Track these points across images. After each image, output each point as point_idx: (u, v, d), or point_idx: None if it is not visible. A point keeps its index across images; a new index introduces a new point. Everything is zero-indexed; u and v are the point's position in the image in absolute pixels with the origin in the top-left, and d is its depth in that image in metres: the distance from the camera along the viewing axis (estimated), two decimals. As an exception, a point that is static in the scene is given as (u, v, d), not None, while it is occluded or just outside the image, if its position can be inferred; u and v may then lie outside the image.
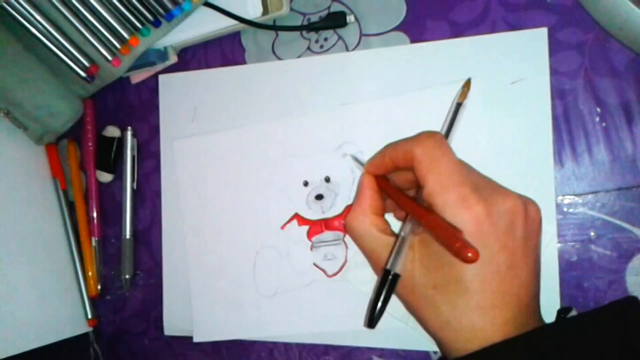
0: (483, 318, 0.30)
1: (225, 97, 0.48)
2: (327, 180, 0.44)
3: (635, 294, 0.37)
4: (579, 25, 0.38)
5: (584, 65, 0.38)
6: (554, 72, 0.38)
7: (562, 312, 0.34)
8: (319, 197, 0.44)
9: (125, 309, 0.53)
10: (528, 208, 0.32)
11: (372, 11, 0.43)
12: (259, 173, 0.46)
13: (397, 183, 0.38)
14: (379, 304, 0.33)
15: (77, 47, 0.48)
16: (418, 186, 0.36)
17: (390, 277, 0.33)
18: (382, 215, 0.37)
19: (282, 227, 0.45)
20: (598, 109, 0.38)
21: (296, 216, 0.45)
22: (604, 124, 0.38)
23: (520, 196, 0.32)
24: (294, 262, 0.45)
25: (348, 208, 0.43)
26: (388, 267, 0.33)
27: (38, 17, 0.46)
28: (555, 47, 0.38)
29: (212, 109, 0.48)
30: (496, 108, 0.39)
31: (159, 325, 0.51)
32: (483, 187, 0.32)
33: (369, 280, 0.41)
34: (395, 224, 0.39)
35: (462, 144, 0.40)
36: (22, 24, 0.46)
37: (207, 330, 0.48)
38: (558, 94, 0.38)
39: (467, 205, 0.30)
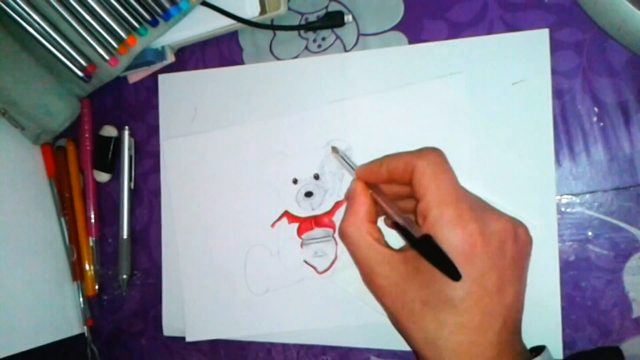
0: (470, 337, 0.30)
1: (224, 97, 0.48)
2: (317, 177, 0.44)
3: (632, 294, 0.37)
4: (577, 25, 0.38)
5: (582, 65, 0.38)
6: (552, 71, 0.38)
7: (534, 351, 0.34)
8: (309, 194, 0.44)
9: (122, 309, 0.53)
10: (518, 231, 0.32)
11: (370, 11, 0.43)
12: (248, 171, 0.46)
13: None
14: (443, 261, 0.31)
15: (75, 46, 0.47)
16: (405, 199, 0.37)
17: (426, 239, 0.31)
18: (376, 223, 0.37)
19: (272, 225, 0.45)
20: (596, 109, 0.38)
21: (286, 214, 0.45)
22: (601, 124, 0.38)
23: (511, 218, 0.33)
24: (285, 259, 0.45)
25: (337, 204, 0.44)
26: (420, 234, 0.32)
27: (35, 17, 0.46)
28: (553, 46, 0.38)
29: (212, 109, 0.48)
30: (497, 108, 0.39)
31: (157, 325, 0.51)
32: (477, 207, 0.32)
33: (354, 280, 0.41)
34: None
35: (463, 144, 0.40)
36: (19, 23, 0.46)
37: (199, 330, 0.48)
38: (556, 93, 0.38)
39: (463, 222, 0.31)
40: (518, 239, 0.32)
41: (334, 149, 0.42)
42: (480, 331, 0.30)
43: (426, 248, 0.31)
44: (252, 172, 0.46)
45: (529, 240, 0.33)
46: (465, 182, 0.33)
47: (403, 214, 0.34)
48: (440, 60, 0.41)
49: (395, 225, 0.35)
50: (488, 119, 0.40)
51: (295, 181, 0.45)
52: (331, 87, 0.44)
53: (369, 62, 0.43)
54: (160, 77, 0.51)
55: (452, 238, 0.30)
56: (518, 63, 0.39)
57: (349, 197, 0.37)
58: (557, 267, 0.38)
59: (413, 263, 0.33)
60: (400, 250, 0.35)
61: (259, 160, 0.46)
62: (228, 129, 0.47)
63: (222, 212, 0.47)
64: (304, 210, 0.45)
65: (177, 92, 0.50)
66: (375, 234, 0.35)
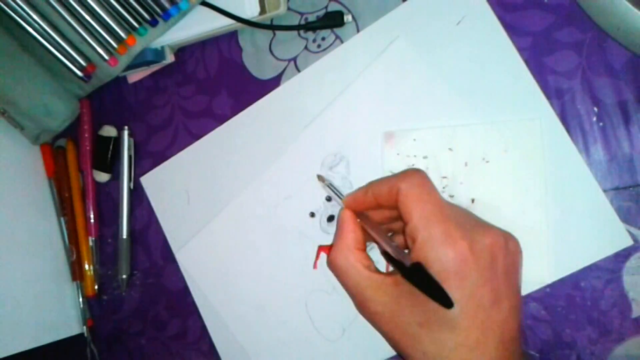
0: (470, 355, 0.30)
1: (212, 167, 0.48)
2: (329, 199, 0.44)
3: (632, 293, 0.37)
4: (576, 25, 0.38)
5: (581, 65, 0.38)
6: (551, 71, 0.38)
7: None
8: (330, 218, 0.44)
9: (122, 309, 0.53)
10: (508, 243, 0.32)
11: (369, 10, 0.43)
12: (268, 231, 0.45)
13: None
14: (435, 289, 0.31)
15: (74, 46, 0.47)
16: (396, 221, 0.37)
17: (417, 267, 0.31)
18: (365, 250, 0.37)
19: (314, 267, 0.44)
20: (595, 109, 0.38)
21: (320, 248, 0.44)
22: (601, 124, 0.38)
23: (500, 231, 0.33)
24: (343, 291, 0.44)
25: None
26: (409, 263, 0.32)
27: (34, 16, 0.46)
28: (552, 46, 0.38)
29: (204, 184, 0.48)
30: (460, 57, 0.40)
31: (156, 325, 0.51)
32: (465, 222, 0.32)
33: None
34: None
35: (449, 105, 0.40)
36: (18, 23, 0.46)
37: None
38: (555, 93, 0.38)
39: (452, 240, 0.31)
40: (509, 251, 0.32)
41: (320, 178, 0.42)
42: (479, 347, 0.30)
43: (417, 276, 0.31)
44: (271, 229, 0.45)
45: (519, 252, 0.33)
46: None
47: (392, 241, 0.34)
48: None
49: (384, 254, 0.35)
50: (460, 67, 0.40)
51: (312, 214, 0.44)
52: (314, 102, 0.44)
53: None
54: (142, 179, 0.51)
55: (443, 258, 0.30)
56: (452, 3, 0.40)
57: (337, 226, 0.37)
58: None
59: (405, 285, 0.32)
60: (391, 273, 0.35)
61: (272, 216, 0.45)
62: (226, 210, 0.47)
63: (261, 282, 0.46)
64: (333, 235, 0.43)
65: (164, 184, 0.50)
66: (365, 261, 0.35)
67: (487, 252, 0.31)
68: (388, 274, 0.35)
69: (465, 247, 0.30)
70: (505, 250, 0.32)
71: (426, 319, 0.31)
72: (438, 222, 0.31)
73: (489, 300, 0.30)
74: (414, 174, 0.34)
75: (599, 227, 0.37)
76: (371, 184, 0.36)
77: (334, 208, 0.44)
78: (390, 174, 0.41)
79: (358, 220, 0.37)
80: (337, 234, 0.37)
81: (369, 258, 0.36)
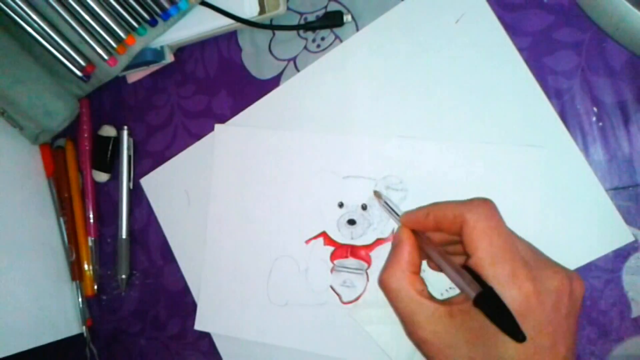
0: None
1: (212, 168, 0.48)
2: (364, 207, 0.42)
3: (631, 293, 0.37)
4: (576, 25, 0.38)
5: (580, 65, 0.38)
6: (551, 71, 0.38)
7: None
8: (352, 222, 0.43)
9: (121, 309, 0.53)
10: (573, 284, 0.31)
11: (369, 10, 0.43)
12: (296, 181, 0.45)
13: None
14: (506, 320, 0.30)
15: (73, 46, 0.47)
16: (452, 244, 0.35)
17: (488, 293, 0.30)
18: (419, 274, 0.35)
19: (307, 242, 0.44)
20: (595, 109, 0.38)
21: (324, 234, 0.44)
22: (600, 124, 0.38)
23: (567, 272, 0.31)
24: (312, 279, 0.44)
25: (378, 241, 0.42)
26: (477, 291, 0.30)
27: (34, 16, 0.46)
28: (552, 46, 0.38)
29: (204, 185, 0.48)
30: (459, 55, 0.40)
31: (155, 325, 0.51)
32: (531, 260, 0.31)
33: (374, 320, 0.41)
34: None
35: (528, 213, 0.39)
36: (17, 23, 0.46)
37: (209, 321, 0.48)
38: (555, 93, 0.38)
39: (518, 282, 0.30)
40: (573, 294, 0.31)
41: (377, 194, 0.41)
42: None
43: (487, 304, 0.29)
44: (300, 184, 0.44)
45: (583, 293, 0.32)
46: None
47: (458, 267, 0.32)
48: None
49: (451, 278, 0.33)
50: (459, 64, 0.40)
51: (341, 205, 0.43)
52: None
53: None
54: (142, 181, 0.51)
55: (507, 298, 0.29)
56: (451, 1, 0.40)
57: (393, 245, 0.36)
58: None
59: (460, 317, 0.31)
60: (446, 302, 0.33)
61: (309, 174, 0.44)
62: (285, 132, 0.45)
63: (259, 213, 0.46)
64: (343, 236, 0.43)
65: (162, 188, 0.50)
66: (419, 286, 0.34)
67: (552, 295, 0.30)
68: (442, 303, 0.33)
69: (531, 288, 0.29)
70: (570, 294, 0.31)
71: (480, 354, 0.30)
72: (504, 261, 0.30)
73: (548, 342, 0.30)
74: (483, 205, 0.32)
75: (600, 223, 0.37)
76: (433, 207, 0.34)
77: (361, 217, 0.42)
78: None
79: (415, 240, 0.35)
80: (392, 253, 0.35)
81: (422, 282, 0.35)
